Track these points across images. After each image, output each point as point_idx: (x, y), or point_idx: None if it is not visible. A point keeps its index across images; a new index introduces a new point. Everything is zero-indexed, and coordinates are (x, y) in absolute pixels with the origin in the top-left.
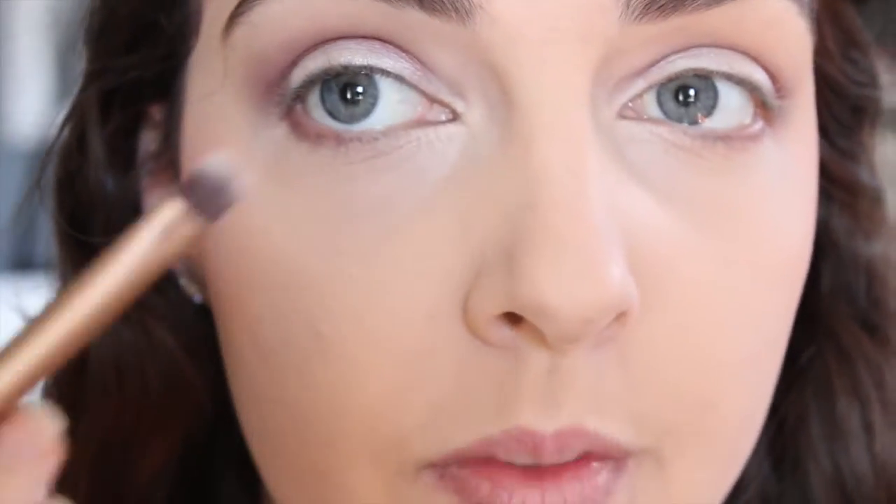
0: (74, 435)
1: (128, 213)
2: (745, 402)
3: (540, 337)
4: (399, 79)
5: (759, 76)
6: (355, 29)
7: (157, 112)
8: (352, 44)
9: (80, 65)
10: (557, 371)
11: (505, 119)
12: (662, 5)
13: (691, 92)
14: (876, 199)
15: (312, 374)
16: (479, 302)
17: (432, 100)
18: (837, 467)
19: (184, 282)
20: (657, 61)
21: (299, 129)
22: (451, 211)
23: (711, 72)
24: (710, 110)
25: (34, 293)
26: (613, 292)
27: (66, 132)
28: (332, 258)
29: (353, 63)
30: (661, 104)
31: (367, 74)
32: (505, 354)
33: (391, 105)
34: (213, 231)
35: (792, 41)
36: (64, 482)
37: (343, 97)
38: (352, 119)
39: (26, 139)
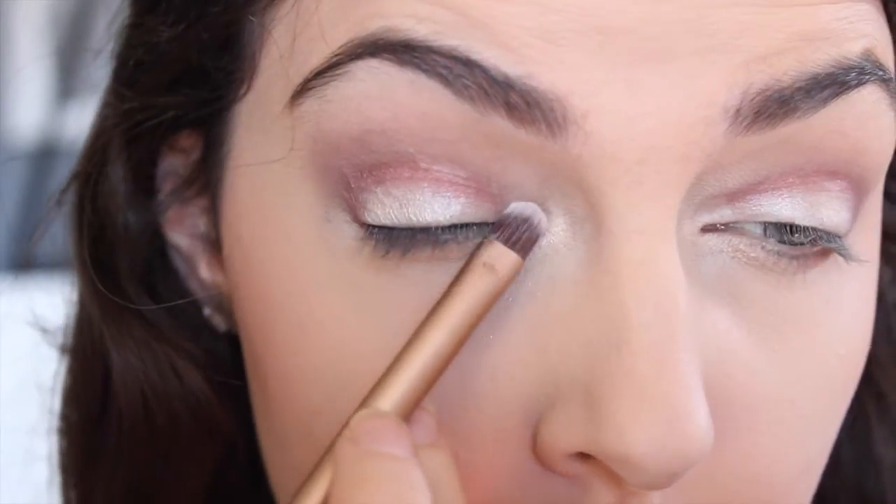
0: (102, 472)
1: (148, 241)
2: (801, 502)
3: (613, 476)
4: (483, 224)
5: (842, 217)
6: (432, 136)
7: (184, 139)
8: (427, 191)
9: (91, 86)
10: None
11: (590, 239)
12: (772, 113)
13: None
14: None
15: None
16: (552, 436)
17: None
18: (862, 489)
19: (209, 312)
20: (751, 187)
21: (373, 236)
22: (526, 329)
23: (797, 227)
24: (814, 239)
25: (34, 293)
26: (700, 445)
27: (83, 160)
28: None
29: (435, 222)
30: (765, 232)
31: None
32: (572, 483)
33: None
34: (269, 298)
35: (883, 137)
36: None
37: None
38: (454, 236)
39: (26, 139)
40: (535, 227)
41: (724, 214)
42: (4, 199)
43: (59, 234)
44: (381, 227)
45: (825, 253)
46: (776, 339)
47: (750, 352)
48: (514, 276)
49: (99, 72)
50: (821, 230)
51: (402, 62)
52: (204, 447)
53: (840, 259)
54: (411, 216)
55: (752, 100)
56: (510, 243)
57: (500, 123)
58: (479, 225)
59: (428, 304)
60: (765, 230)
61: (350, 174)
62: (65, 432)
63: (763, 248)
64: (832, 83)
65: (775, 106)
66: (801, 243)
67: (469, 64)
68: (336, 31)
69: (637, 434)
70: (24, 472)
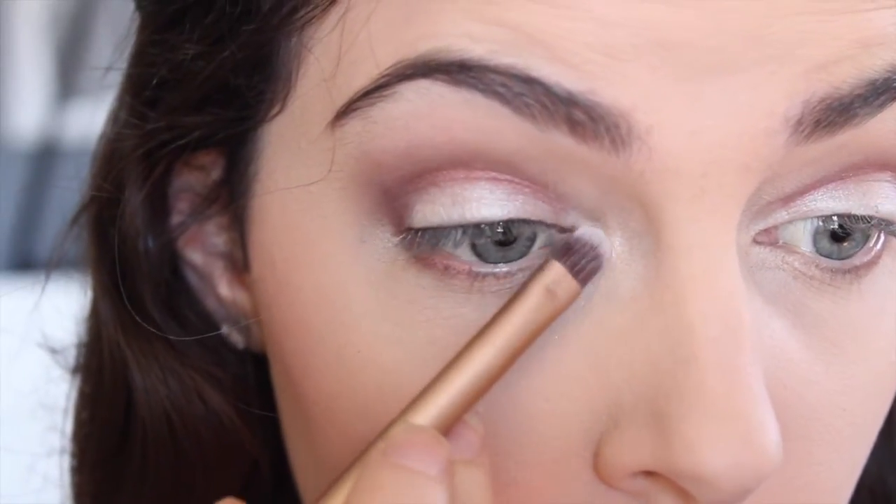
0: (123, 499)
1: (167, 261)
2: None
3: (680, 492)
4: (539, 224)
5: (894, 204)
6: (489, 149)
7: (203, 156)
8: (485, 189)
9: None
10: None
11: (649, 254)
12: (832, 121)
13: (845, 232)
14: None
15: None
16: (617, 455)
17: (568, 231)
18: (885, 484)
19: (226, 330)
20: (806, 188)
21: (421, 258)
22: (584, 348)
23: (854, 216)
24: (858, 247)
25: (34, 293)
26: (773, 459)
27: (99, 174)
28: None
29: (490, 217)
30: (815, 242)
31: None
32: (636, 499)
33: (541, 242)
34: (305, 324)
35: None
36: None
37: (497, 242)
38: (503, 259)
39: (26, 139)
40: (600, 256)
41: (778, 217)
42: (4, 199)
43: (55, 238)
44: (426, 230)
45: (874, 261)
46: (832, 350)
47: (806, 362)
48: (570, 304)
49: (99, 72)
50: (876, 217)
51: (457, 82)
52: (230, 469)
53: (887, 265)
54: (465, 213)
55: (814, 109)
56: (574, 270)
57: (561, 140)
58: (535, 223)
59: (471, 325)
60: (815, 241)
61: (394, 184)
62: (80, 458)
63: (817, 266)
64: (888, 88)
65: (835, 114)
66: (850, 254)
67: (529, 81)
68: (384, 52)
69: (711, 452)
70: (36, 497)
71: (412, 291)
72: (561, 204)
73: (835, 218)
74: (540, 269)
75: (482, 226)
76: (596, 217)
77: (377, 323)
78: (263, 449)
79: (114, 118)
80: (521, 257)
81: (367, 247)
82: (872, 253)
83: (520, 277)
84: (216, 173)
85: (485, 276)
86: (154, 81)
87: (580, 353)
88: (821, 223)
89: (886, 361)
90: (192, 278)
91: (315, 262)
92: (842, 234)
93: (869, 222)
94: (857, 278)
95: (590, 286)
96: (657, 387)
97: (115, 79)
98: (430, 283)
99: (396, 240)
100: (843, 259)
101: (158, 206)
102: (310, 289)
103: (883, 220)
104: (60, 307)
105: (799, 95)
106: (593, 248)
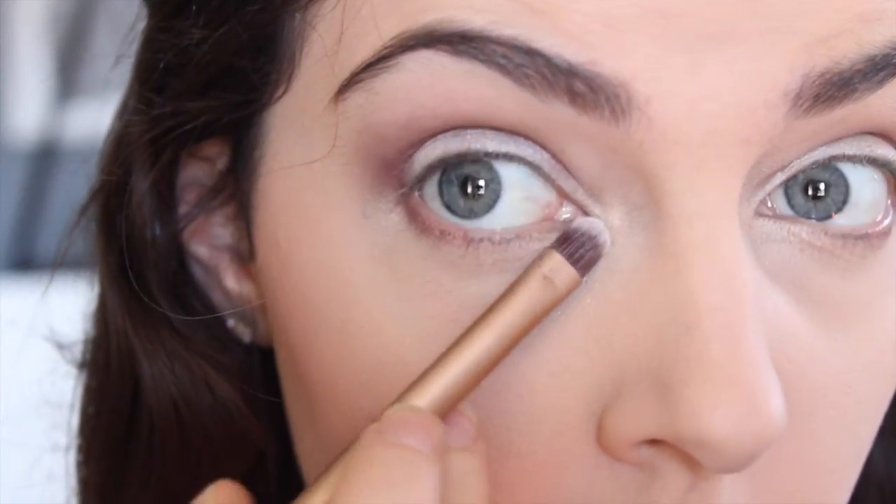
0: (129, 490)
1: (174, 252)
2: (849, 488)
3: (685, 458)
4: (535, 169)
5: (892, 155)
6: (490, 118)
7: (208, 147)
8: (488, 132)
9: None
10: (696, 489)
11: (650, 225)
12: (832, 96)
13: (821, 186)
14: None
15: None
16: (620, 425)
17: (566, 197)
18: (892, 480)
19: (232, 323)
20: (801, 154)
21: (418, 220)
22: (587, 322)
23: (851, 156)
24: (841, 205)
25: (34, 293)
26: (777, 424)
27: (106, 165)
28: None
29: (489, 150)
30: (788, 198)
31: (491, 167)
32: (641, 471)
33: (514, 202)
34: (307, 305)
35: None
36: None
37: (463, 190)
38: (471, 214)
39: (26, 139)
40: (599, 246)
41: (776, 180)
42: (4, 199)
43: (58, 235)
44: (437, 166)
45: (886, 232)
46: (837, 326)
47: (810, 337)
48: (570, 293)
49: (99, 72)
50: (871, 156)
51: (458, 53)
52: (235, 459)
53: (895, 238)
54: (464, 143)
55: (813, 83)
56: (573, 259)
57: (562, 110)
58: (530, 164)
59: (471, 300)
60: (788, 198)
61: (394, 155)
62: (87, 452)
63: (826, 233)
64: (887, 65)
65: (835, 89)
66: (830, 212)
67: (530, 52)
68: (386, 25)
69: (715, 417)
70: (41, 492)
71: (413, 265)
72: (565, 167)
73: (818, 178)
74: (538, 258)
75: (462, 165)
76: (596, 188)
77: (379, 298)
78: (269, 438)
79: (123, 107)
80: (486, 212)
81: (370, 222)
82: (883, 225)
83: (515, 246)
84: (222, 163)
85: (479, 240)
86: (161, 66)
87: (584, 327)
88: (792, 180)
89: (893, 340)
90: (198, 272)
91: (318, 239)
92: (816, 192)
93: (866, 160)
94: (866, 250)
95: None
96: (660, 356)
97: (117, 78)
98: (428, 252)
99: (396, 205)
100: (823, 220)
101: (166, 196)
102: (313, 266)
103: (881, 161)
104: (66, 305)
105: (798, 69)
106: (591, 237)
